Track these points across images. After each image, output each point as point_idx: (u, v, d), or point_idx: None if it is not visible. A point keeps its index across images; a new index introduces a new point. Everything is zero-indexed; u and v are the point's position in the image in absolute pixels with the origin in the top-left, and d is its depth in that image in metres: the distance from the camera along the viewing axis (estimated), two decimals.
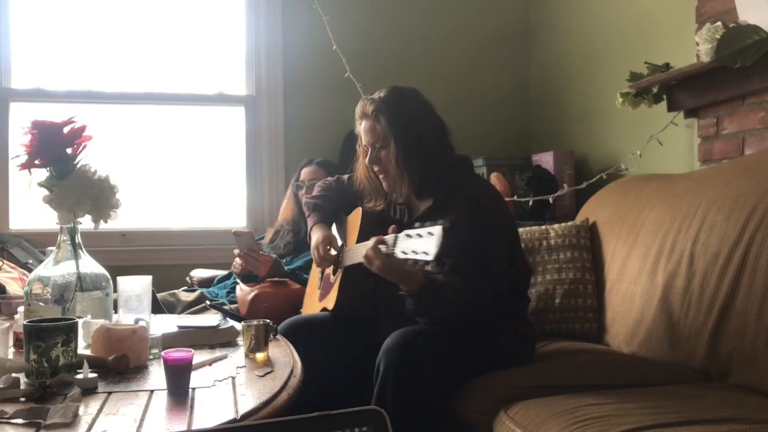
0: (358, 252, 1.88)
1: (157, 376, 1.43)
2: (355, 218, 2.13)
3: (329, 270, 2.20)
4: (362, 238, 1.99)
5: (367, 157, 1.99)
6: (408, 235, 1.58)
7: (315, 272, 2.36)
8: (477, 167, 3.19)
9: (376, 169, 2.00)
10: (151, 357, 1.56)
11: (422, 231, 1.54)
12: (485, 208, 1.89)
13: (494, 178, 3.07)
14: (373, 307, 2.01)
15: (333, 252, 2.10)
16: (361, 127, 2.01)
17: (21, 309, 1.70)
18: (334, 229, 2.27)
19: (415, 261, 1.54)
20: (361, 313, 2.02)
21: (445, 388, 1.79)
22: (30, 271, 2.67)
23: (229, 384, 1.39)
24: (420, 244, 1.53)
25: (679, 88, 2.43)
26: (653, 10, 2.72)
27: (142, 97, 3.40)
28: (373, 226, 1.99)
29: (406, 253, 1.57)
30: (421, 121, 1.95)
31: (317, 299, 2.22)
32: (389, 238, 1.66)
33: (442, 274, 1.68)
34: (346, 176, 2.28)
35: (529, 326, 2.02)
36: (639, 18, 2.81)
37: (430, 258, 1.49)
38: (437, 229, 1.50)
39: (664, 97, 2.51)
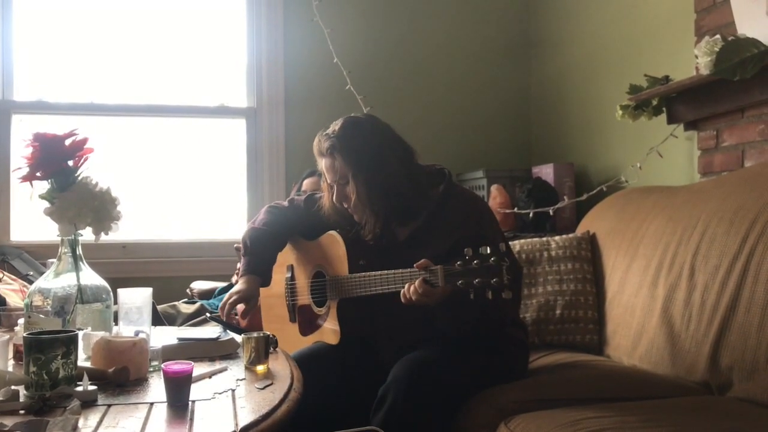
0: (373, 283, 1.82)
1: (157, 388, 1.43)
2: (333, 244, 2.00)
3: (306, 300, 2.11)
4: (353, 264, 1.92)
5: (334, 195, 1.93)
6: (461, 265, 1.55)
7: (272, 303, 2.22)
8: (478, 179, 3.20)
9: (345, 205, 1.94)
10: (151, 369, 1.55)
11: (482, 260, 1.52)
12: (482, 219, 1.89)
13: (495, 190, 3.07)
14: (372, 331, 1.98)
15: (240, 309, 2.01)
16: (322, 165, 1.95)
17: (21, 321, 1.69)
18: (289, 258, 2.18)
19: (481, 290, 1.52)
20: (361, 339, 1.98)
21: (451, 408, 1.79)
22: (31, 282, 2.67)
23: (229, 396, 1.39)
24: (487, 272, 1.51)
25: (679, 100, 2.44)
26: (652, 23, 2.74)
27: (143, 109, 3.42)
28: (360, 250, 1.94)
29: (468, 284, 1.54)
30: (378, 151, 1.88)
31: (296, 333, 2.12)
32: (436, 274, 1.60)
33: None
34: (302, 199, 2.16)
35: (522, 330, 2.01)
36: (638, 31, 2.82)
37: (503, 287, 1.48)
38: (502, 255, 1.49)
39: (664, 109, 2.52)
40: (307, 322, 2.11)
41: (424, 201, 1.90)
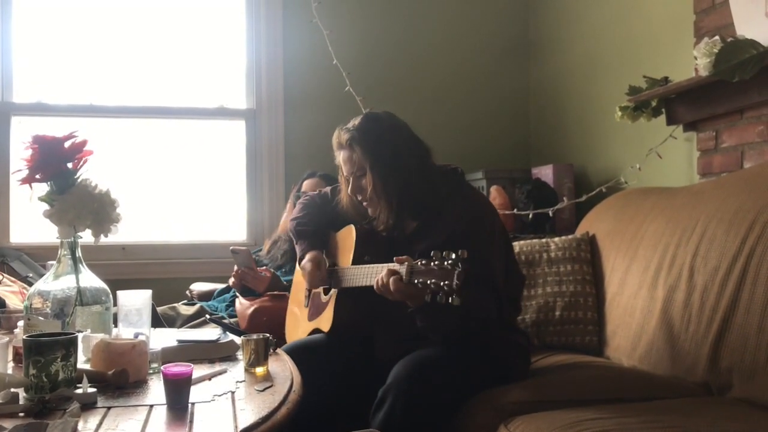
0: (360, 275, 1.86)
1: (156, 390, 1.43)
2: (347, 237, 2.07)
3: (319, 288, 2.17)
4: (357, 258, 1.96)
5: (350, 186, 1.99)
6: (424, 264, 1.57)
7: (299, 288, 2.31)
8: (477, 180, 3.20)
9: (359, 197, 1.99)
10: (151, 371, 1.55)
11: (440, 262, 1.53)
12: (480, 219, 1.90)
13: (494, 191, 3.07)
14: (369, 326, 2.00)
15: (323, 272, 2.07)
16: (340, 158, 2.01)
17: (21, 323, 1.70)
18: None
19: (435, 292, 1.53)
20: (357, 333, 2.01)
21: (451, 409, 1.79)
22: (30, 284, 2.67)
23: (229, 399, 1.39)
24: (440, 274, 1.52)
25: (678, 101, 2.44)
26: (652, 25, 2.74)
27: (143, 110, 3.42)
28: (368, 246, 1.97)
29: (425, 284, 1.55)
30: (396, 145, 1.94)
31: (306, 317, 2.18)
32: (402, 268, 1.63)
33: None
34: (328, 189, 2.26)
35: (522, 335, 2.02)
36: (638, 32, 2.82)
37: (452, 292, 1.49)
38: (457, 260, 1.50)
39: (663, 110, 2.52)
40: (314, 307, 2.16)
41: (433, 197, 1.94)
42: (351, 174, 1.97)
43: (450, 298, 1.50)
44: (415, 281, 1.58)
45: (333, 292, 2.04)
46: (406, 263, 1.63)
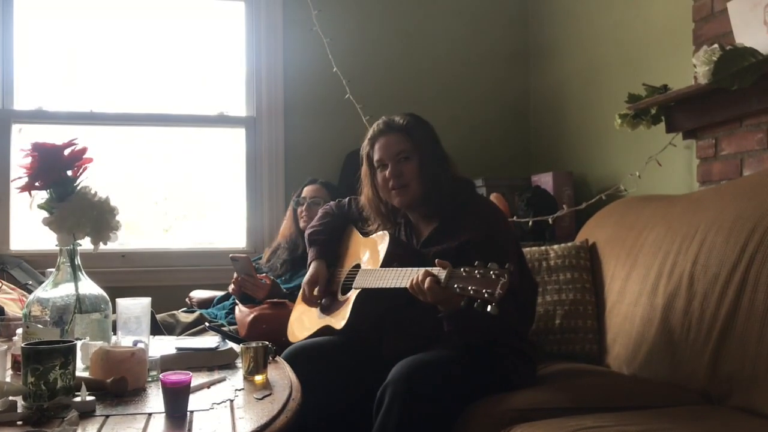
0: (390, 276, 1.86)
1: (155, 398, 1.43)
2: (380, 241, 2.08)
3: (336, 287, 2.18)
4: (387, 263, 1.96)
5: (388, 170, 2.01)
6: (466, 272, 1.57)
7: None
8: (477, 187, 3.19)
9: (394, 183, 2.00)
10: (150, 379, 1.55)
11: (485, 271, 1.53)
12: (496, 227, 1.93)
13: (494, 199, 3.07)
14: (380, 328, 2.00)
15: (316, 292, 2.17)
16: (382, 142, 2.04)
17: (19, 331, 1.69)
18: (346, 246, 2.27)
19: (473, 299, 1.53)
20: (367, 334, 2.01)
21: (449, 415, 1.79)
22: (29, 292, 2.66)
23: (228, 407, 1.38)
24: (482, 282, 1.52)
25: (678, 109, 2.44)
26: (651, 33, 2.75)
27: (143, 118, 3.42)
28: (399, 255, 1.97)
29: (464, 289, 1.55)
30: (438, 141, 2.08)
31: (316, 315, 2.19)
32: (443, 273, 1.63)
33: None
34: (346, 200, 2.32)
35: (530, 347, 2.02)
36: (637, 40, 2.83)
37: (493, 300, 1.48)
38: (504, 272, 1.50)
39: (663, 118, 2.52)
40: (328, 305, 2.17)
41: (450, 200, 2.00)
42: (393, 158, 2.01)
43: (488, 306, 1.50)
44: (454, 286, 1.58)
45: (353, 293, 2.03)
46: (447, 268, 1.63)
